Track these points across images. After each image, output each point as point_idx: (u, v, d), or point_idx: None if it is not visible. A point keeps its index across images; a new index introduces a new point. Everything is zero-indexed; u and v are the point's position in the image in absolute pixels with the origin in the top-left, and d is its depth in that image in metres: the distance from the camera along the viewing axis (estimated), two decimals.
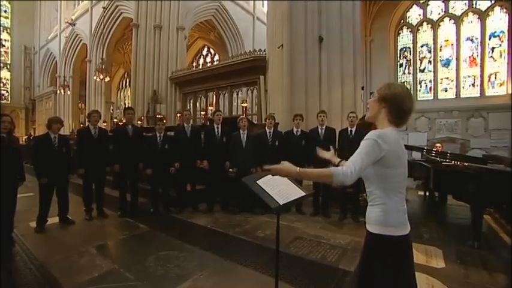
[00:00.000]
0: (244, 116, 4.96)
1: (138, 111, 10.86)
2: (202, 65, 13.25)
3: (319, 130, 4.51)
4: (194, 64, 17.19)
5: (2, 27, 22.29)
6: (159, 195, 4.67)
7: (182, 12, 12.35)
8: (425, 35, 10.91)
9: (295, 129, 4.67)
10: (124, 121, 4.71)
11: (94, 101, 16.14)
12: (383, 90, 1.31)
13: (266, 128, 4.69)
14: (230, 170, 4.65)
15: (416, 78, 11.02)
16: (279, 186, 2.06)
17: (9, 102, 22.18)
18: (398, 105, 1.27)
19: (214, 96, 10.36)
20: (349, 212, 4.35)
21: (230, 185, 4.65)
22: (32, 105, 22.62)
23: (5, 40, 22.58)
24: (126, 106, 19.65)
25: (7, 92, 22.61)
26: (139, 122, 10.63)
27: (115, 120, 14.25)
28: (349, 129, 4.34)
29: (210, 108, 9.52)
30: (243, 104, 7.74)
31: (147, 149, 4.51)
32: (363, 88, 7.20)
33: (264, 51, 8.12)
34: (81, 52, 18.22)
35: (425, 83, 10.88)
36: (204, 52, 18.43)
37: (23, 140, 16.49)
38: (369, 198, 1.34)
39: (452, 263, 2.91)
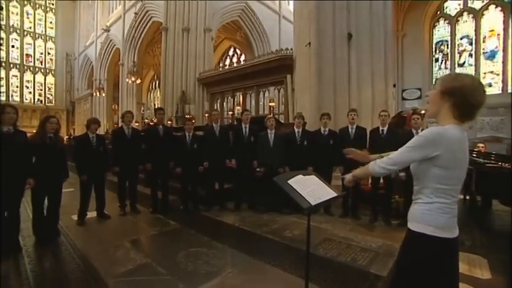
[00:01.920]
0: (271, 116, 4.95)
1: (168, 112, 11.24)
2: (229, 65, 13.41)
3: (350, 129, 4.38)
4: (221, 65, 17.46)
5: (48, 37, 24.23)
6: (188, 193, 4.79)
7: (209, 14, 12.61)
8: (465, 26, 10.14)
9: (322, 129, 4.57)
10: (155, 121, 4.88)
11: (126, 102, 16.97)
12: (448, 82, 1.18)
13: (294, 127, 4.63)
14: (257, 169, 4.66)
15: None
16: (310, 186, 2.03)
17: (53, 104, 24.03)
18: (467, 99, 1.14)
19: (241, 96, 10.45)
20: (380, 215, 4.17)
21: (257, 184, 4.66)
22: (72, 107, 24.32)
23: (50, 48, 24.50)
24: (156, 107, 20.57)
25: (51, 95, 24.48)
26: (169, 122, 10.98)
27: (146, 120, 14.86)
28: (380, 128, 4.17)
29: (237, 108, 9.60)
30: (270, 104, 7.72)
31: (177, 148, 4.63)
32: (394, 85, 6.91)
33: (291, 50, 8.04)
34: (115, 56, 19.26)
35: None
36: (231, 53, 18.66)
37: (65, 139, 17.75)
38: (414, 196, 1.26)
39: (498, 274, 2.68)
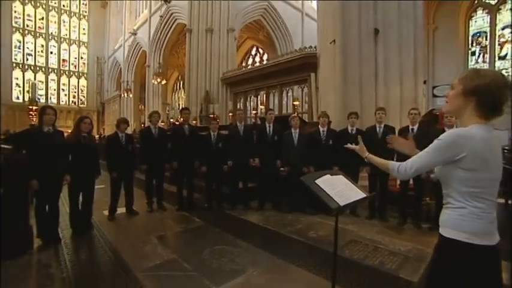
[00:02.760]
0: (295, 115, 4.90)
1: (192, 111, 11.49)
2: (252, 64, 13.46)
3: (377, 128, 4.23)
4: (243, 64, 17.58)
5: (81, 43, 25.75)
6: (213, 192, 4.86)
7: (232, 14, 12.73)
8: (508, 15, 9.32)
9: (349, 128, 4.45)
10: (181, 121, 5.01)
11: (152, 102, 17.57)
12: (470, 81, 1.09)
13: (319, 126, 4.55)
14: (281, 168, 4.64)
15: (494, 66, 9.55)
16: (338, 187, 2.00)
17: (85, 106, 25.47)
18: (493, 97, 1.06)
19: (265, 95, 10.45)
20: (409, 217, 4.00)
21: (281, 184, 4.65)
22: (102, 107, 25.60)
23: (83, 53, 26.02)
24: (180, 107, 21.09)
25: (84, 97, 25.95)
26: (194, 122, 11.23)
27: (171, 120, 15.28)
28: (410, 127, 3.99)
29: (261, 107, 9.62)
30: (294, 103, 7.64)
31: (202, 147, 4.71)
32: (425, 82, 6.57)
33: (315, 48, 7.92)
34: (141, 58, 20.01)
35: (506, 71, 9.23)
36: (253, 52, 18.72)
37: (96, 139, 18.68)
38: (444, 201, 1.19)
39: None
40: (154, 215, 4.58)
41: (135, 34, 19.96)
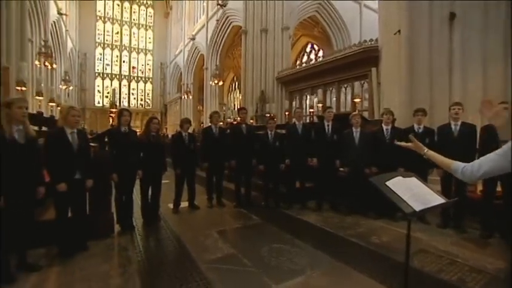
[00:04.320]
0: (357, 113, 4.64)
1: (248, 111, 11.72)
2: (306, 62, 13.20)
3: (453, 126, 3.74)
4: (298, 62, 17.35)
5: (147, 51, 28.57)
6: (270, 190, 4.89)
7: (286, 13, 12.66)
8: None
9: (416, 126, 4.05)
10: (239, 120, 5.15)
11: (210, 103, 18.48)
12: None
13: (382, 124, 4.23)
14: (341, 168, 4.44)
15: None
16: (412, 190, 1.82)
17: (150, 107, 28.08)
18: None
19: (322, 93, 10.15)
20: (496, 230, 3.44)
21: (340, 185, 4.46)
22: (164, 109, 27.89)
23: (149, 60, 28.84)
24: (236, 107, 21.76)
25: (149, 100, 28.69)
26: (251, 121, 11.48)
27: (228, 119, 15.87)
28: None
29: (319, 105, 9.37)
30: (354, 100, 7.24)
31: (260, 146, 4.78)
32: None
33: (376, 40, 7.39)
34: (199, 62, 21.21)
35: None
36: (308, 49, 18.32)
37: None
38: None
39: None
40: (214, 210, 4.79)
41: (194, 39, 21.25)
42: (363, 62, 8.00)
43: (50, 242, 2.95)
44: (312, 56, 17.54)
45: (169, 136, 12.30)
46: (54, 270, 2.65)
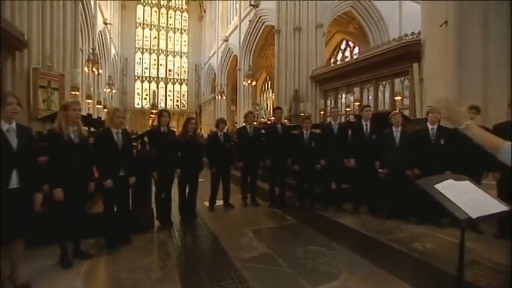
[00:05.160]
0: (397, 111, 4.39)
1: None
2: (341, 60, 12.82)
3: None
4: (332, 60, 16.88)
5: (182, 53, 29.73)
6: (304, 191, 4.82)
7: (320, 10, 12.37)
8: None
9: None
10: (273, 120, 5.13)
11: (243, 103, 18.69)
12: None
13: (427, 123, 3.93)
14: (380, 170, 4.23)
15: None
16: (466, 195, 1.66)
17: (186, 108, 29.15)
18: None
19: (358, 91, 9.78)
20: None
21: (379, 187, 4.24)
22: (199, 109, 28.75)
23: (184, 62, 29.99)
24: (268, 107, 21.74)
25: (185, 101, 29.83)
26: (285, 121, 11.41)
27: (261, 119, 15.94)
28: None
29: (355, 104, 9.04)
30: (395, 98, 6.85)
31: (295, 146, 4.71)
32: None
33: (418, 34, 6.93)
34: (233, 63, 21.55)
35: None
36: (343, 46, 17.73)
37: None
38: None
39: None
40: (248, 209, 4.83)
41: (227, 41, 21.65)
42: (403, 57, 7.55)
43: (98, 234, 3.19)
44: (347, 53, 16.93)
45: (204, 136, 12.67)
46: (102, 259, 2.87)
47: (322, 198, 4.70)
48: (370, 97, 9.57)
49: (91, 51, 12.58)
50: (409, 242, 3.31)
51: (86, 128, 3.76)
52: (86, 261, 2.77)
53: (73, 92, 8.25)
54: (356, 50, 16.07)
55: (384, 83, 8.79)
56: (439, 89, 5.45)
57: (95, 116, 10.31)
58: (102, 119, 7.83)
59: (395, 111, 4.38)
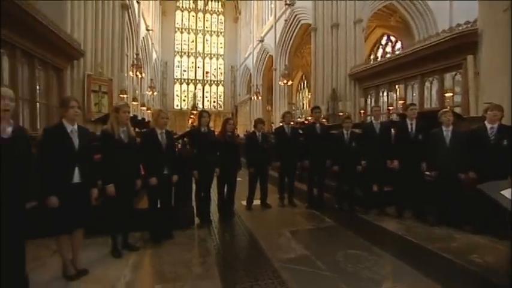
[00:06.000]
0: (448, 109, 4.03)
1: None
2: (382, 56, 12.16)
3: None
4: (372, 56, 16.10)
5: (218, 55, 30.57)
6: (344, 193, 4.67)
7: (359, 4, 11.87)
8: None
9: None
10: (310, 119, 5.04)
11: (278, 103, 18.65)
12: None
13: (486, 122, 3.54)
14: (427, 172, 3.93)
15: None
16: None
17: (222, 109, 29.92)
18: None
19: (401, 89, 9.20)
20: None
21: (426, 190, 3.95)
22: (235, 110, 29.33)
23: (220, 64, 30.82)
24: (305, 106, 21.42)
25: (221, 101, 30.63)
26: (324, 120, 11.14)
27: (298, 119, 15.76)
28: None
29: (399, 102, 8.54)
30: (446, 94, 6.31)
31: (335, 146, 4.59)
32: None
33: (474, 23, 6.31)
34: (268, 63, 21.62)
35: None
36: (383, 42, 16.79)
37: None
38: None
39: None
40: (285, 210, 4.80)
41: (262, 41, 21.77)
42: (454, 50, 6.92)
43: (143, 228, 3.39)
44: (388, 49, 16.01)
45: (240, 135, 12.85)
46: (147, 252, 3.05)
47: (363, 201, 4.50)
48: (414, 94, 8.96)
49: (135, 56, 13.49)
50: (464, 253, 3.01)
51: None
52: (134, 253, 2.96)
53: (122, 95, 8.94)
54: (398, 45, 15.14)
55: (430, 79, 8.14)
56: (500, 85, 4.90)
57: (139, 117, 11.03)
58: (146, 120, 8.35)
59: (445, 109, 4.02)
